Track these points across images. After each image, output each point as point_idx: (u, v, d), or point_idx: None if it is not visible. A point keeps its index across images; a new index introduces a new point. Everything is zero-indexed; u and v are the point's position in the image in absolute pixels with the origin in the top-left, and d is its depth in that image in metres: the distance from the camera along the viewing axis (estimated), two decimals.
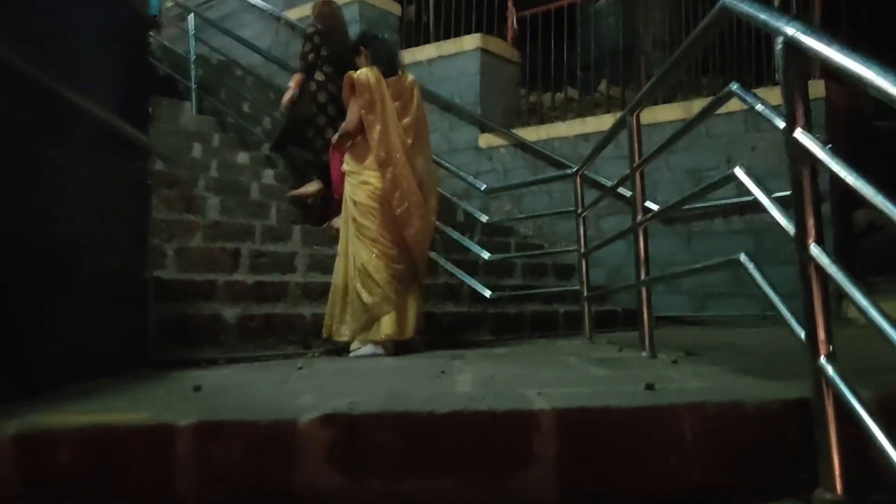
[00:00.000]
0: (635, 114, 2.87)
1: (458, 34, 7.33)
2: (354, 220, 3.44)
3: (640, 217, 2.91)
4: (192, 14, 6.65)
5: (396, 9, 8.00)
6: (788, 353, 2.09)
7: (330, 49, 4.94)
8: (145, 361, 2.90)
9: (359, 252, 3.40)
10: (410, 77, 3.64)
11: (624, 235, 3.44)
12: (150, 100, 3.05)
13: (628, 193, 3.81)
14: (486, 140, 6.65)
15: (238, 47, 8.43)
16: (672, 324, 5.17)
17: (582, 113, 6.68)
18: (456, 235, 5.07)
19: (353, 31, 7.62)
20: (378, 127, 3.40)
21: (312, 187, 4.85)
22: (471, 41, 6.77)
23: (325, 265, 4.24)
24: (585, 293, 4.10)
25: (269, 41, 8.20)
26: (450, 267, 4.59)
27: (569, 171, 4.33)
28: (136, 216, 2.91)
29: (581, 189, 4.13)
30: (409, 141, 3.49)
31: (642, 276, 2.88)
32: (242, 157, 5.57)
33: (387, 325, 3.34)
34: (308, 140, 4.87)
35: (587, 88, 6.95)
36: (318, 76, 4.91)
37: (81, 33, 2.44)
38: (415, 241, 3.44)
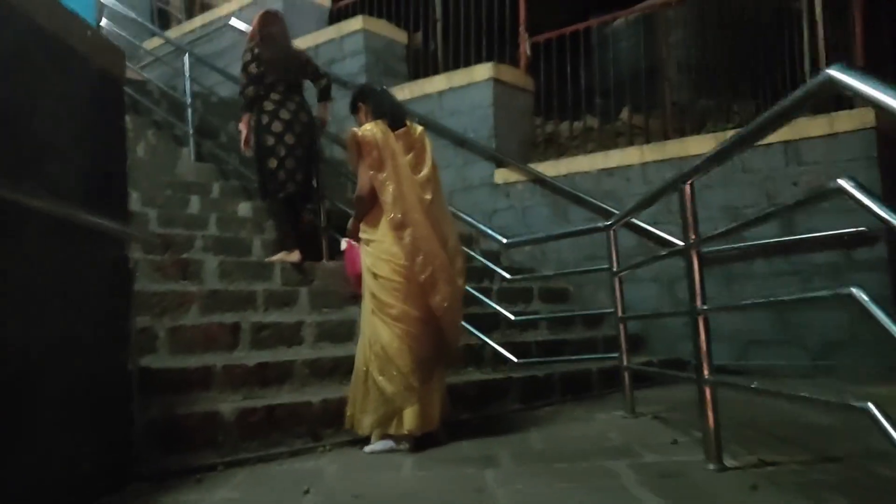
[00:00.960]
0: (689, 182, 2.46)
1: (468, 62, 6.98)
2: (374, 295, 3.03)
3: (692, 237, 2.47)
4: (186, 54, 6.30)
5: (402, 37, 7.67)
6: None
7: (274, 70, 4.53)
8: (132, 476, 2.52)
9: (378, 332, 2.99)
10: (419, 128, 3.26)
11: (670, 256, 3.04)
12: (126, 173, 2.68)
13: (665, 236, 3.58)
14: (502, 175, 6.26)
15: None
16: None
17: (603, 143, 6.28)
18: (473, 289, 4.67)
19: (359, 62, 7.34)
20: (391, 186, 3.00)
21: (292, 258, 4.42)
22: (482, 71, 6.40)
23: (335, 334, 3.87)
24: (625, 362, 3.68)
25: None
26: (469, 327, 4.18)
27: (600, 225, 3.92)
28: (114, 309, 2.54)
29: (615, 245, 3.72)
30: (428, 197, 3.09)
31: (698, 305, 2.44)
32: (244, 208, 5.20)
33: (409, 420, 2.92)
34: (276, 177, 4.49)
35: (607, 116, 6.56)
36: (267, 105, 4.53)
37: (34, 107, 2.08)
38: (442, 309, 3.01)
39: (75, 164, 2.31)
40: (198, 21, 8.83)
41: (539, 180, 6.03)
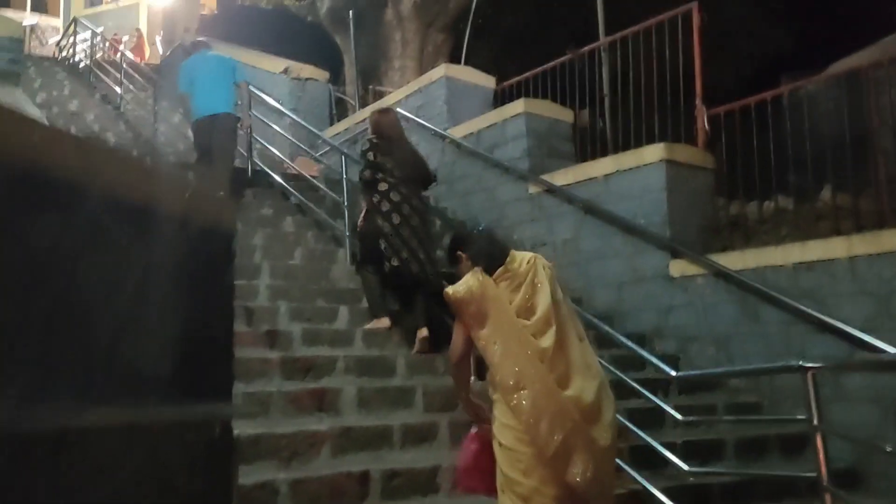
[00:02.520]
0: None
1: (638, 138, 6.42)
2: (500, 468, 2.58)
3: None
4: (342, 156, 6.35)
5: (568, 115, 7.26)
6: None
7: (391, 158, 4.79)
8: None
9: None
10: (526, 256, 2.77)
11: None
12: (231, 334, 2.49)
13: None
14: (678, 268, 5.57)
15: None
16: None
17: (800, 228, 5.40)
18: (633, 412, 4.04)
19: (521, 146, 7.01)
20: (496, 345, 2.56)
21: (383, 324, 4.64)
22: (653, 152, 5.80)
23: None
24: (825, 481, 2.89)
25: (436, 161, 7.80)
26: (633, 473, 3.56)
27: (794, 364, 3.18)
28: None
29: (816, 392, 2.97)
30: (547, 343, 2.58)
31: None
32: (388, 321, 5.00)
33: None
34: (380, 252, 4.62)
35: (804, 196, 5.67)
36: (381, 186, 4.71)
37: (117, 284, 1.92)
38: (584, 483, 2.48)
39: (166, 342, 2.13)
40: (368, 111, 9.05)
41: (722, 274, 5.28)
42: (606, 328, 4.56)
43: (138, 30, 21.54)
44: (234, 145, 6.64)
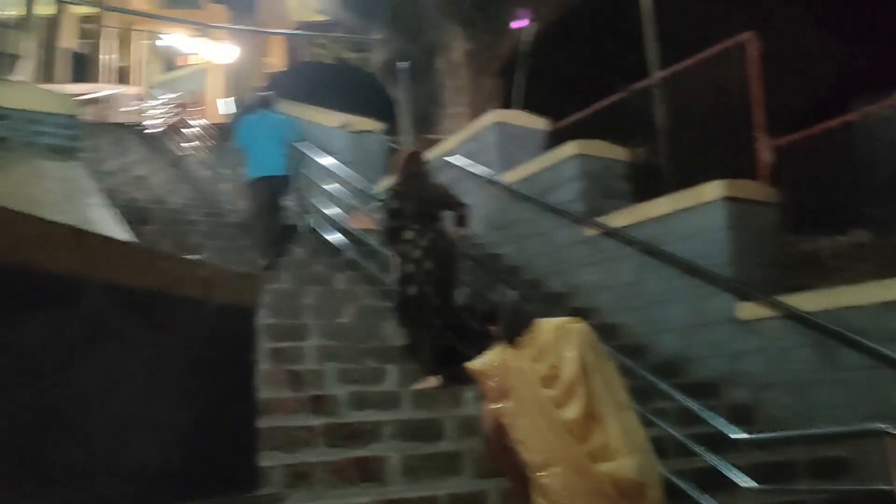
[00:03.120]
0: None
1: (697, 174, 6.13)
2: None
3: None
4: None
5: (623, 154, 7.03)
6: None
7: (413, 199, 4.80)
8: None
9: None
10: (551, 323, 2.62)
11: None
12: (254, 413, 2.40)
13: None
14: (747, 310, 5.22)
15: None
16: None
17: (881, 263, 5.00)
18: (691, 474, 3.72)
19: (575, 189, 6.82)
20: (522, 420, 2.44)
21: (432, 383, 4.51)
22: (712, 190, 5.51)
23: None
24: None
25: (489, 208, 7.71)
26: None
27: (874, 428, 2.86)
28: None
29: None
30: (573, 414, 2.39)
31: None
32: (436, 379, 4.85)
33: None
34: (415, 303, 4.65)
35: (885, 228, 5.26)
36: (407, 234, 4.74)
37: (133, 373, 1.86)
38: None
39: (179, 436, 2.06)
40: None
41: (795, 316, 4.91)
42: (664, 385, 4.26)
43: (198, 91, 22.46)
44: (282, 206, 6.81)
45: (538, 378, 2.49)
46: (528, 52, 9.88)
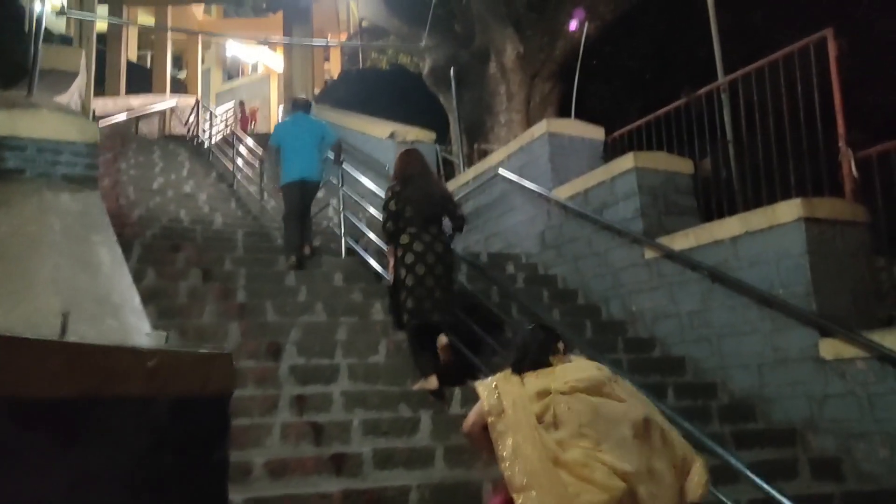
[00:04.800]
0: None
1: (771, 187, 5.49)
2: None
3: None
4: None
5: (687, 167, 6.40)
6: None
7: (412, 202, 4.74)
8: None
9: None
10: (571, 374, 2.58)
11: None
12: None
13: None
14: (831, 348, 4.58)
15: (512, 234, 7.64)
16: None
17: None
18: None
19: (633, 205, 6.22)
20: (510, 439, 2.46)
21: (431, 384, 4.49)
22: (788, 210, 4.87)
23: None
24: None
25: (542, 224, 7.20)
26: None
27: None
28: None
29: None
30: (573, 455, 2.40)
31: None
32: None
33: None
34: (407, 307, 4.61)
35: None
36: (403, 238, 4.70)
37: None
38: None
39: None
40: (471, 173, 8.62)
41: (890, 358, 4.25)
42: (729, 458, 3.68)
43: (242, 102, 22.56)
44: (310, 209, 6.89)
45: (533, 407, 2.51)
46: (590, 51, 9.32)
